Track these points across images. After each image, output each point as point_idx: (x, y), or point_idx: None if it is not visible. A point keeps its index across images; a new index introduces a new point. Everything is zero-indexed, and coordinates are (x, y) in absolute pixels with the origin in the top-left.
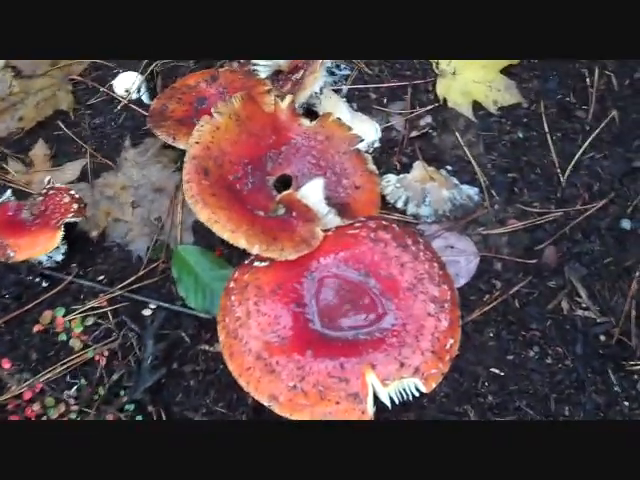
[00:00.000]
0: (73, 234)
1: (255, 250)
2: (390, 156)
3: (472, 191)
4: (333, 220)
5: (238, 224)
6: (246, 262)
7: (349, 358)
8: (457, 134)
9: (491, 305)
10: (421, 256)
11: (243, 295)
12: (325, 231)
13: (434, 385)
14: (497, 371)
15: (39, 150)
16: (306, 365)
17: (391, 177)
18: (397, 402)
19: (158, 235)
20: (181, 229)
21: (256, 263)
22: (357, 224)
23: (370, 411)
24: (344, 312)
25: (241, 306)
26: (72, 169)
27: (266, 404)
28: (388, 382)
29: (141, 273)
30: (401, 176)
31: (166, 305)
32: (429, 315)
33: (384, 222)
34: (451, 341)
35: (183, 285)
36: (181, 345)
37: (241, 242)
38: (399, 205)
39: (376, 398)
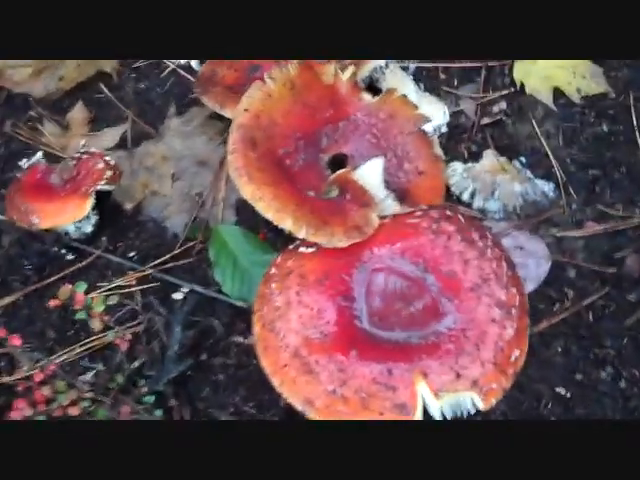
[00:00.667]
0: (106, 205)
1: (302, 234)
2: (458, 143)
3: (547, 187)
4: (391, 206)
5: (285, 203)
6: (291, 247)
7: (398, 363)
8: (534, 123)
9: (561, 316)
10: (488, 253)
11: (284, 283)
12: (381, 218)
13: (494, 402)
14: (563, 392)
15: (78, 113)
16: (349, 367)
17: (458, 166)
18: (449, 418)
19: (198, 212)
20: (223, 207)
21: (302, 249)
22: (418, 213)
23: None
24: (397, 310)
25: (281, 295)
26: (111, 135)
27: (299, 408)
28: (441, 394)
29: (176, 252)
30: (469, 165)
31: (200, 289)
32: (493, 321)
33: (448, 212)
34: (517, 353)
35: (220, 269)
36: (212, 335)
37: (287, 223)
38: (465, 197)
39: (426, 412)
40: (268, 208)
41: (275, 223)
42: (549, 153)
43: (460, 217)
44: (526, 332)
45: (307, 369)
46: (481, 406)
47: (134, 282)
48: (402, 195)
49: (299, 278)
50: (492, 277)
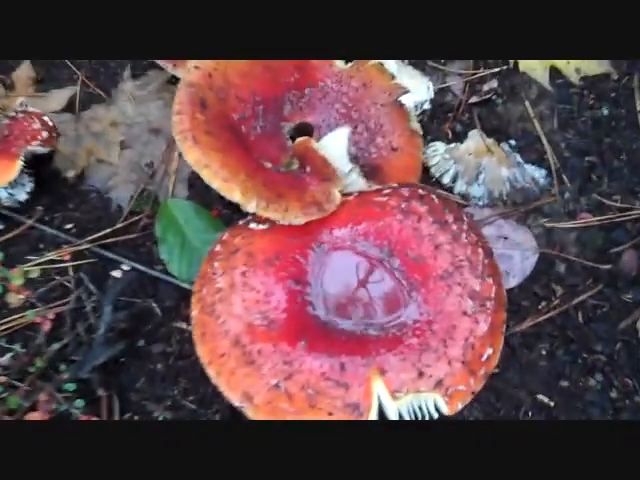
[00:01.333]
0: (45, 172)
1: (252, 207)
2: (442, 122)
3: (538, 173)
4: (357, 182)
5: (234, 172)
6: (241, 222)
7: (353, 357)
8: (527, 104)
9: (547, 315)
10: (463, 238)
11: (229, 262)
12: (345, 195)
13: (460, 406)
14: (546, 399)
15: (23, 72)
16: (296, 360)
17: (439, 146)
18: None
19: (147, 184)
20: (175, 180)
21: (252, 225)
22: (386, 190)
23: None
24: (355, 298)
25: (225, 275)
26: (58, 97)
27: (237, 404)
28: (399, 395)
29: (118, 226)
30: (452, 145)
31: (142, 268)
32: (464, 314)
33: (421, 191)
34: (489, 351)
35: (166, 247)
36: (152, 319)
37: (235, 194)
38: (445, 180)
39: (381, 414)
40: (214, 176)
41: (222, 194)
42: (542, 137)
43: (434, 197)
44: (502, 328)
45: (248, 359)
46: (445, 410)
47: (69, 257)
48: (372, 172)
49: (246, 257)
50: (465, 264)
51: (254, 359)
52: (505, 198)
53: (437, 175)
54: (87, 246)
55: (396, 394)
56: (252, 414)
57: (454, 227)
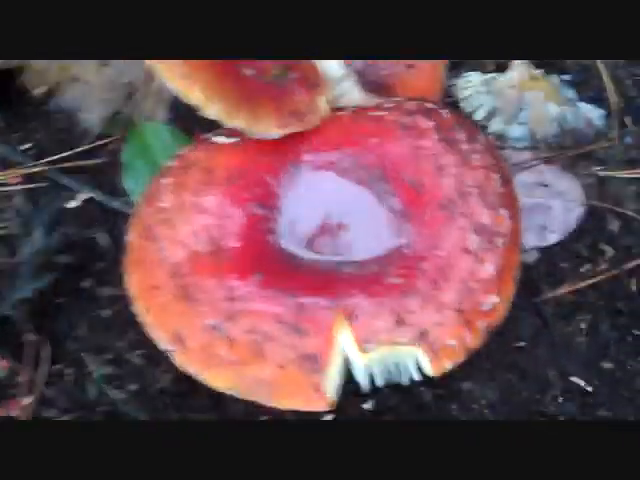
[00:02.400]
0: (10, 86)
1: (214, 111)
2: None
3: (595, 113)
4: (352, 93)
5: (197, 69)
6: (207, 135)
7: (316, 297)
8: None
9: (592, 281)
10: (475, 160)
11: (181, 178)
12: (338, 110)
13: (448, 366)
14: (582, 383)
15: None
16: (244, 297)
17: (475, 76)
18: (379, 383)
19: (122, 106)
20: (155, 100)
21: (218, 138)
22: (388, 105)
23: (330, 391)
24: (331, 228)
25: (173, 194)
26: None
27: (163, 347)
28: (370, 347)
29: (82, 149)
30: (490, 76)
31: (101, 198)
32: (466, 252)
33: (429, 105)
34: (494, 300)
35: (133, 174)
36: (102, 256)
37: (193, 94)
38: (479, 117)
39: (348, 372)
40: (171, 72)
41: (178, 94)
42: (603, 71)
43: (444, 112)
44: (514, 273)
45: (184, 294)
46: (429, 370)
47: (18, 180)
48: (380, 91)
49: (203, 173)
50: (474, 192)
51: (192, 293)
52: (550, 141)
53: (469, 110)
54: (42, 168)
55: (365, 346)
56: (181, 360)
57: (465, 147)
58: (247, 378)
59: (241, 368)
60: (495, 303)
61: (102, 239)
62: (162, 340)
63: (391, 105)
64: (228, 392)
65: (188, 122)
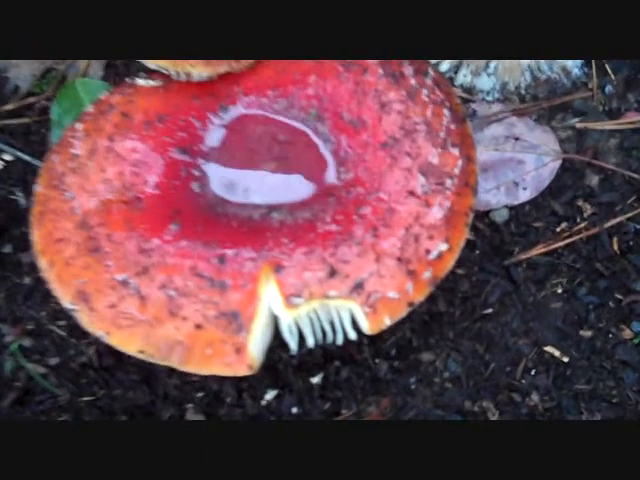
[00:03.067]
0: None
1: None
2: None
3: (572, 62)
4: None
5: None
6: (130, 79)
7: (240, 248)
8: None
9: (568, 240)
10: (423, 95)
11: (96, 123)
12: None
13: (387, 322)
14: (557, 353)
15: None
16: (158, 248)
17: None
18: (309, 342)
19: (55, 63)
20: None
21: (140, 80)
22: None
23: (254, 353)
24: (261, 174)
25: (86, 139)
26: None
27: (68, 306)
28: (298, 301)
29: (9, 107)
30: None
31: (27, 158)
32: (411, 194)
33: None
34: (442, 247)
35: (61, 133)
36: (23, 221)
37: None
38: (443, 68)
39: (276, 332)
40: None
41: None
42: None
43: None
44: (466, 219)
45: (92, 246)
46: (365, 326)
47: None
48: None
49: (119, 117)
50: (421, 129)
51: (100, 245)
52: (523, 92)
53: (433, 61)
54: None
55: (293, 300)
56: (86, 321)
57: (412, 82)
58: (160, 339)
59: (153, 328)
60: (443, 251)
61: (25, 201)
62: (65, 298)
63: None
64: (140, 356)
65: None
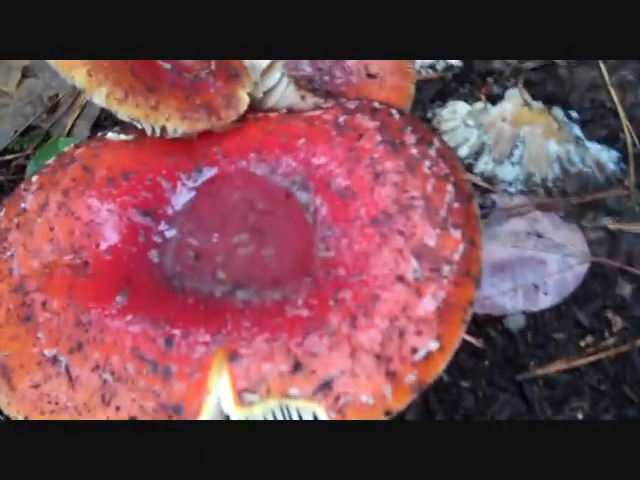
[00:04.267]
0: None
1: (100, 96)
2: (477, 86)
3: (607, 155)
4: (283, 90)
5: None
6: (101, 133)
7: (192, 329)
8: (602, 68)
9: (593, 358)
10: (424, 167)
11: (54, 176)
12: (267, 111)
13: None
14: None
15: None
16: (98, 321)
17: (460, 106)
18: None
19: (40, 121)
20: (77, 116)
21: (111, 135)
22: (328, 104)
23: None
24: (232, 246)
25: (39, 194)
26: None
27: None
28: (252, 398)
29: None
30: (479, 106)
31: None
32: (399, 280)
33: (377, 104)
34: (432, 346)
35: None
36: None
37: (77, 75)
38: (463, 154)
39: None
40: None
41: (61, 74)
42: (619, 109)
43: (394, 112)
44: (464, 314)
45: (24, 313)
46: None
47: None
48: (327, 97)
49: (80, 171)
50: (419, 205)
51: (34, 314)
52: (551, 185)
53: (451, 145)
54: None
55: (246, 397)
56: (3, 401)
57: (413, 151)
58: None
59: (80, 417)
60: (432, 351)
61: None
62: None
63: (330, 105)
64: None
65: None
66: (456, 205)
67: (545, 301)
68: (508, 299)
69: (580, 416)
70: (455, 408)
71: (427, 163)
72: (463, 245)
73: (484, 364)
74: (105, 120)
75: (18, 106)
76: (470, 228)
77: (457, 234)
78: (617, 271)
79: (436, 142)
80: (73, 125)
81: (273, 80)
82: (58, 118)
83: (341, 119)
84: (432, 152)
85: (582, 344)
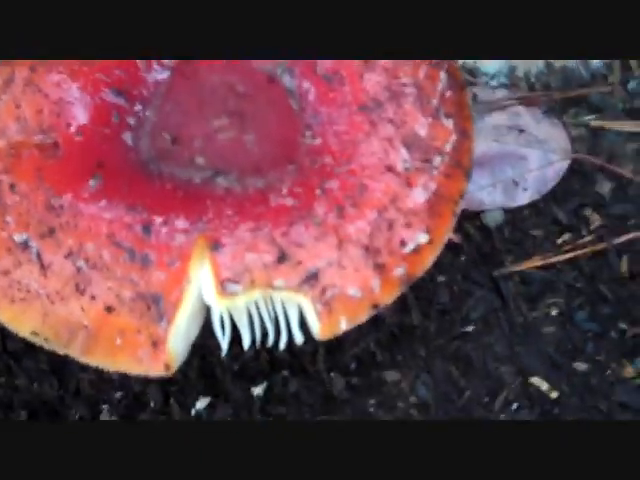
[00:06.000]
0: None
1: None
2: None
3: None
4: None
5: None
6: None
7: (172, 215)
8: None
9: (569, 255)
10: None
11: None
12: None
13: (342, 326)
14: (545, 386)
15: None
16: (69, 207)
17: None
18: (247, 342)
19: None
20: None
21: None
22: None
23: (173, 348)
24: (211, 130)
25: (2, 68)
26: None
27: None
28: (235, 288)
29: None
30: None
31: None
32: (389, 170)
33: None
34: (421, 238)
35: None
36: None
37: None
38: None
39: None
40: None
41: None
42: None
43: None
44: (454, 206)
45: None
46: (316, 328)
47: None
48: None
49: None
50: (410, 92)
51: (1, 197)
52: (533, 80)
53: None
54: None
55: (229, 287)
56: None
57: None
58: (60, 320)
59: (53, 305)
60: (421, 244)
61: None
62: None
63: None
64: (32, 338)
65: None
66: (448, 94)
67: (524, 197)
68: (486, 194)
69: (554, 312)
70: (430, 303)
71: None
72: (455, 135)
73: (460, 259)
74: None
75: None
76: (462, 118)
77: (449, 124)
78: (597, 169)
79: None
80: None
81: None
82: None
83: None
84: None
85: (559, 241)
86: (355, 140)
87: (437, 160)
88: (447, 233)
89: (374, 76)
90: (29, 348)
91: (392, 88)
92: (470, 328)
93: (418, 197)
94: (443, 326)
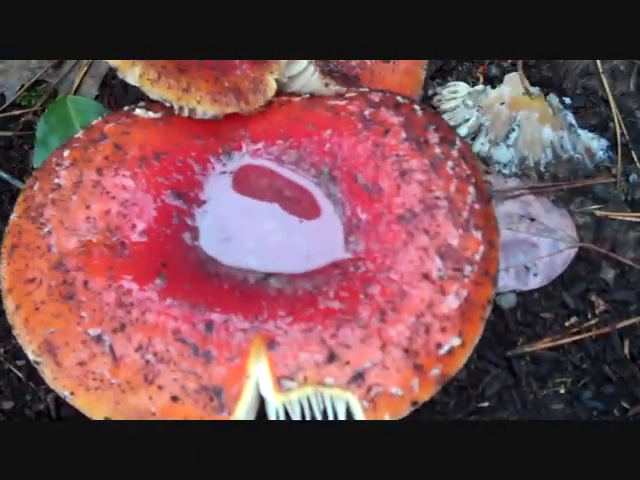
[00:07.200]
0: None
1: (133, 76)
2: (475, 64)
3: (597, 143)
4: (309, 77)
5: None
6: (128, 108)
7: (231, 315)
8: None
9: (576, 337)
10: (447, 167)
11: (85, 152)
12: (290, 95)
13: (386, 417)
14: None
15: None
16: (140, 303)
17: (461, 87)
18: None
19: (47, 75)
20: (85, 74)
21: (139, 111)
22: (350, 94)
23: None
24: (263, 232)
25: (73, 170)
26: None
27: (31, 356)
28: (289, 385)
29: None
30: (479, 88)
31: (4, 176)
32: (425, 278)
33: (400, 99)
34: (455, 342)
35: (46, 152)
36: None
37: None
38: (461, 133)
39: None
40: None
41: None
42: (610, 98)
43: (417, 108)
44: (483, 312)
45: (66, 292)
46: (360, 416)
47: None
48: (346, 82)
49: (112, 149)
50: (443, 205)
51: (75, 293)
52: (543, 170)
53: (451, 124)
54: None
55: (285, 383)
56: (50, 376)
57: (437, 150)
58: (130, 408)
59: (124, 394)
60: (455, 347)
61: None
62: (29, 347)
63: (354, 94)
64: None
65: (121, 101)
66: (477, 206)
67: (535, 281)
68: (500, 278)
69: (562, 391)
70: (450, 381)
71: (450, 163)
72: (483, 246)
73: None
74: (113, 79)
75: (23, 61)
76: (489, 229)
77: (478, 235)
78: (602, 256)
79: (458, 142)
80: (81, 82)
81: (300, 67)
82: (65, 74)
83: (366, 112)
84: (454, 152)
85: (567, 324)
86: (394, 248)
87: (468, 269)
88: (478, 336)
89: (410, 188)
90: (82, 415)
91: (426, 201)
92: (485, 404)
93: (452, 304)
94: (460, 402)
